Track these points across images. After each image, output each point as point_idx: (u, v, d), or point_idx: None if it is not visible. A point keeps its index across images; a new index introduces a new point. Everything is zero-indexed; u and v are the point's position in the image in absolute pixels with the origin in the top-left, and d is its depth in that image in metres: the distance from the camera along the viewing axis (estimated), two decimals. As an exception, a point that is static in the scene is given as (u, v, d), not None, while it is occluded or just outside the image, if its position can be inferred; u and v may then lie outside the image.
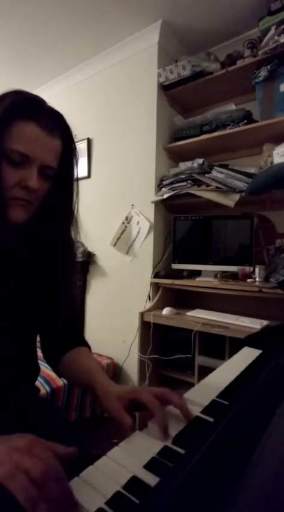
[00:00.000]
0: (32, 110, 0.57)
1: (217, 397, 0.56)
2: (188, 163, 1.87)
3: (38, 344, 0.78)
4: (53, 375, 1.68)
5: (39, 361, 0.78)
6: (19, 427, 0.63)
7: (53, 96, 2.67)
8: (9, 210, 0.59)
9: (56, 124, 0.60)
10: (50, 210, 0.67)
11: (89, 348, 0.77)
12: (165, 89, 1.98)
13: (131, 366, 2.00)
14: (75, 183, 0.69)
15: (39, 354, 0.76)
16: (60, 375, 0.75)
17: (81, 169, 2.41)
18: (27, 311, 0.69)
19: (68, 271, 0.72)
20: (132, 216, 2.06)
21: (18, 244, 0.67)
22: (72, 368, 0.70)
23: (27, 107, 0.57)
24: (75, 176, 0.68)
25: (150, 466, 0.39)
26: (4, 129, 0.55)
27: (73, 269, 0.77)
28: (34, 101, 0.60)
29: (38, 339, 0.78)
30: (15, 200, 0.59)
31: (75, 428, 0.73)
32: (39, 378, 1.64)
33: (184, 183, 1.80)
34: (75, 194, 0.69)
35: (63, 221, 0.69)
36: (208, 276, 1.79)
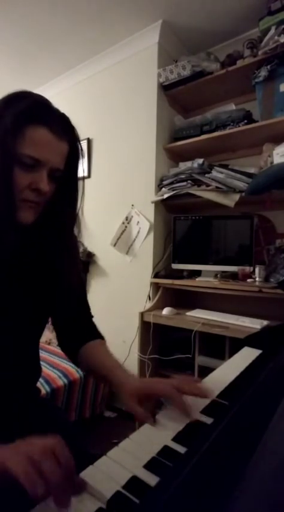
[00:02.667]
0: (43, 114, 0.59)
1: (217, 397, 0.56)
2: (188, 163, 1.86)
3: (40, 345, 0.78)
4: (52, 374, 1.68)
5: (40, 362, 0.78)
6: (20, 427, 0.63)
7: (53, 96, 2.67)
8: (20, 211, 0.61)
9: (64, 128, 0.62)
10: (54, 209, 0.68)
11: (104, 339, 0.80)
12: (165, 89, 1.98)
13: (131, 366, 1.99)
14: (79, 182, 0.71)
15: (42, 354, 0.77)
16: (79, 366, 0.78)
17: (81, 169, 2.41)
18: (31, 311, 0.69)
19: (73, 268, 0.73)
20: (132, 216, 2.06)
21: (22, 244, 0.67)
22: (89, 361, 0.72)
23: (38, 111, 0.59)
24: (80, 175, 0.71)
25: (150, 466, 0.39)
26: (17, 134, 0.56)
27: (79, 265, 0.78)
28: (44, 105, 0.61)
29: (41, 339, 0.79)
30: (25, 202, 0.61)
31: (75, 429, 0.73)
32: (39, 378, 1.65)
33: (184, 183, 1.80)
34: (80, 193, 0.71)
35: (67, 220, 0.70)
36: (208, 276, 1.79)
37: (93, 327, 0.82)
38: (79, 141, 0.67)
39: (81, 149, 0.68)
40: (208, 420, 0.49)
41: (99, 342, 0.77)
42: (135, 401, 0.55)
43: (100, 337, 0.79)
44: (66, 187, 0.68)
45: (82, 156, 0.69)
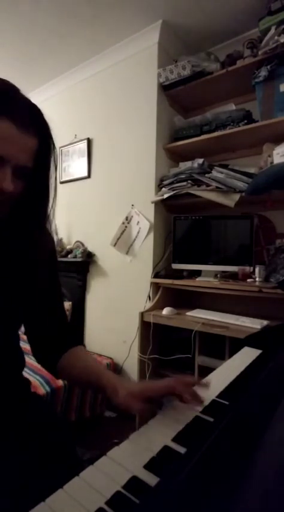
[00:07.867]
0: (6, 103, 0.51)
1: (217, 397, 0.56)
2: (188, 163, 1.86)
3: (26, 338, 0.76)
4: (53, 375, 1.68)
5: (28, 354, 0.76)
6: (9, 419, 0.61)
7: (54, 96, 2.68)
8: None
9: (32, 120, 0.55)
10: (23, 209, 0.62)
11: (84, 346, 0.77)
12: (165, 89, 1.98)
13: (131, 366, 2.00)
14: (53, 183, 0.63)
15: (24, 346, 0.74)
16: (58, 377, 0.74)
17: (81, 169, 2.41)
18: (5, 301, 0.65)
19: (45, 268, 0.69)
20: (132, 216, 2.06)
21: None
22: (73, 369, 0.69)
23: (0, 101, 0.51)
24: (54, 176, 0.63)
25: (150, 466, 0.39)
26: None
27: (53, 271, 0.73)
28: (7, 93, 0.53)
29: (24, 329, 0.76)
30: None
31: (68, 431, 0.71)
32: (39, 378, 1.65)
33: (184, 183, 1.80)
34: (52, 194, 0.64)
35: (36, 222, 0.64)
36: (208, 276, 1.79)
37: (72, 333, 0.78)
38: (51, 135, 0.60)
39: (53, 146, 0.61)
40: (208, 420, 0.49)
41: (80, 348, 0.74)
42: (136, 400, 0.53)
43: (80, 343, 0.75)
44: (36, 186, 0.61)
45: (54, 154, 0.61)
